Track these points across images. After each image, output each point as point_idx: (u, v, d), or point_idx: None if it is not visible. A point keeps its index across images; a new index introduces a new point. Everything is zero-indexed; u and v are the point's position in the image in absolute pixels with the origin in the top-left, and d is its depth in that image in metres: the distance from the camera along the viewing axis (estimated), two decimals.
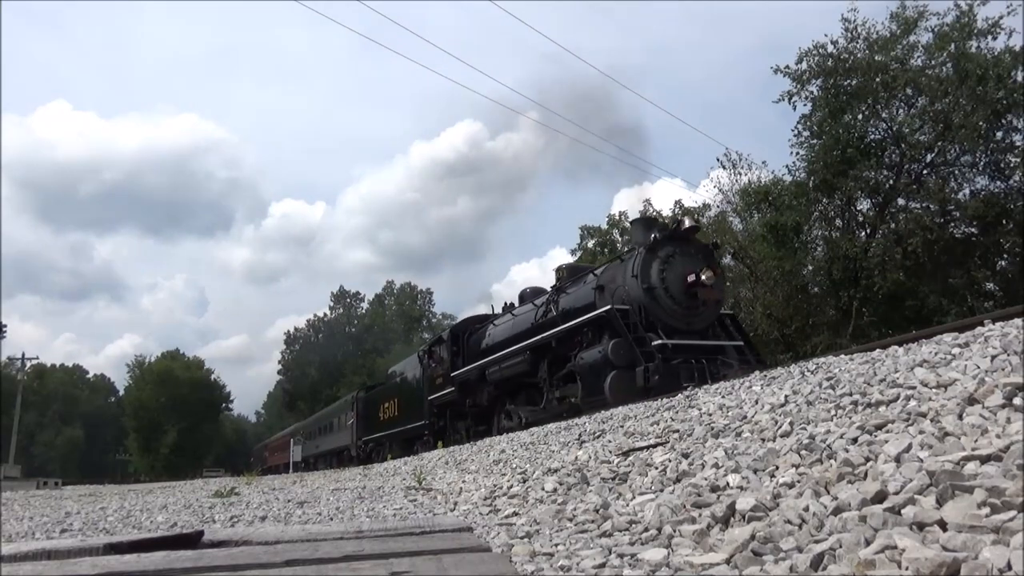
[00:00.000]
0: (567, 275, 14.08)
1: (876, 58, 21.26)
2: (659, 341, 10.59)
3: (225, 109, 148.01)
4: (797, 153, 23.05)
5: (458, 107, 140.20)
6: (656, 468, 3.95)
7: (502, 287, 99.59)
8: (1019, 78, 19.32)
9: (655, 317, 11.12)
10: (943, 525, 1.81)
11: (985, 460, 2.18)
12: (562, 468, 4.98)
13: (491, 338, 15.50)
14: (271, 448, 50.32)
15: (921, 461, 2.33)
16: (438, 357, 18.05)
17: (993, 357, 3.52)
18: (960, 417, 2.75)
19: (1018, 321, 4.53)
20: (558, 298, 13.33)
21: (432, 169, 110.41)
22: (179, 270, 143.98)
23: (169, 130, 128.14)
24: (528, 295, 15.65)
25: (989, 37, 20.01)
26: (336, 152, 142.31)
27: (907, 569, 1.60)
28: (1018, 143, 20.56)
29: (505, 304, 17.08)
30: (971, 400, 2.87)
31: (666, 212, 27.86)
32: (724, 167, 25.57)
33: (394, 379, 23.15)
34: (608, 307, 10.96)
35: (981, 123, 19.55)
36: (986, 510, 1.78)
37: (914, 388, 3.47)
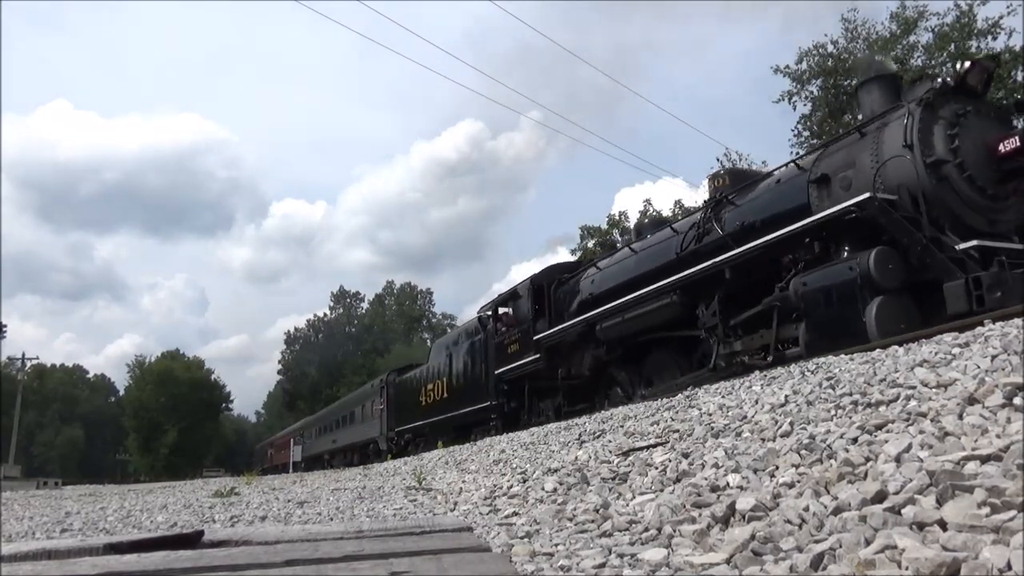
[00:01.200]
0: (732, 181, 10.19)
1: (876, 58, 21.23)
2: (969, 243, 6.80)
3: (226, 109, 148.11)
4: (797, 153, 23.05)
5: (459, 106, 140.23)
6: (656, 468, 3.95)
7: (503, 287, 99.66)
8: (1019, 78, 19.32)
9: (943, 211, 7.19)
10: (943, 525, 1.81)
11: (985, 460, 2.18)
12: (562, 468, 4.98)
13: (596, 284, 11.83)
14: (276, 446, 48.13)
15: (921, 461, 2.33)
16: (511, 319, 14.51)
17: (993, 357, 3.53)
18: (960, 417, 2.75)
19: (1018, 321, 4.53)
20: (721, 214, 9.62)
21: (433, 169, 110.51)
22: (179, 270, 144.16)
23: (170, 130, 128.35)
24: (649, 226, 12.23)
25: (989, 37, 20.02)
26: (337, 151, 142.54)
27: (907, 569, 1.60)
28: None
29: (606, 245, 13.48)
30: (971, 400, 2.87)
31: (666, 212, 27.83)
32: (724, 167, 25.57)
33: (441, 355, 18.83)
34: (866, 196, 7.11)
35: None
36: (986, 510, 1.78)
37: (914, 388, 3.47)
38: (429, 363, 19.91)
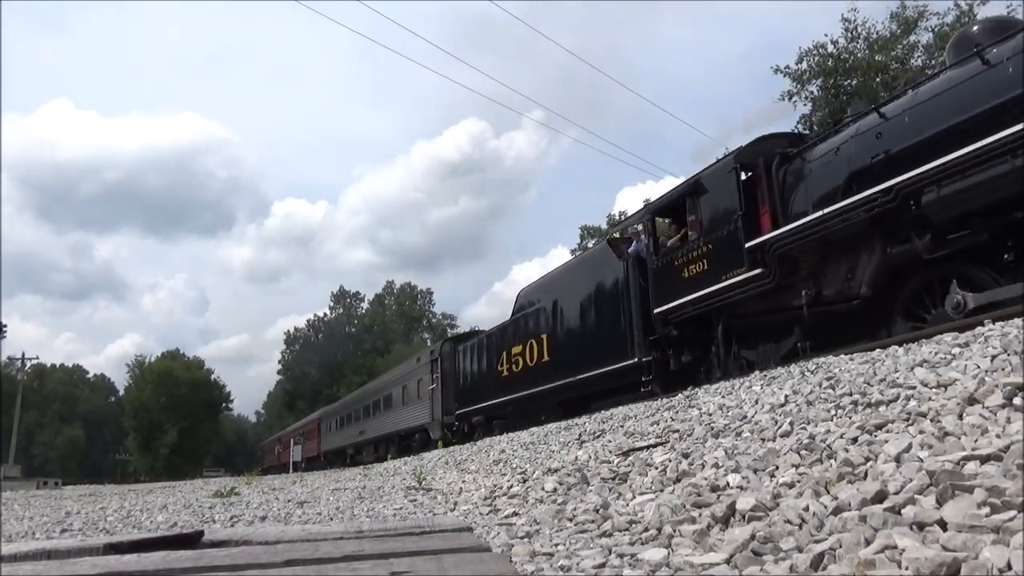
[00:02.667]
0: None
1: (876, 58, 21.29)
2: None
3: (227, 108, 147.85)
4: None
5: (461, 106, 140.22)
6: (656, 468, 3.95)
7: (503, 286, 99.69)
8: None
9: None
10: (943, 525, 1.81)
11: (985, 460, 2.18)
12: (562, 468, 4.98)
13: (891, 137, 7.17)
14: (284, 443, 43.75)
15: (921, 461, 2.33)
16: (693, 223, 9.64)
17: (993, 357, 3.53)
18: (960, 417, 2.75)
19: (1018, 321, 4.53)
20: None
21: (434, 168, 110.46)
22: (180, 270, 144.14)
23: (170, 129, 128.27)
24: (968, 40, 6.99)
25: None
26: (339, 151, 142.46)
27: (907, 569, 1.60)
28: None
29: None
30: (971, 400, 2.87)
31: None
32: None
33: (534, 306, 13.83)
34: None
35: None
36: (986, 510, 1.78)
37: (914, 388, 3.47)
38: (510, 321, 14.83)
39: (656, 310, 10.05)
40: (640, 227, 11.19)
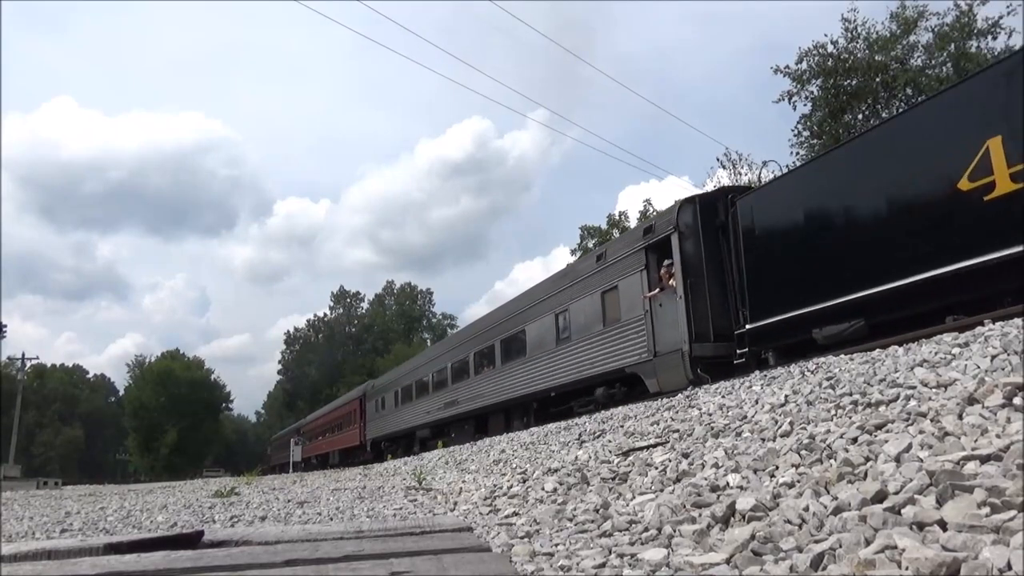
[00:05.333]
0: None
1: (876, 58, 21.28)
2: None
3: (230, 107, 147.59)
4: (797, 153, 23.06)
5: (463, 106, 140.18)
6: (656, 468, 3.95)
7: (504, 285, 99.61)
8: None
9: None
10: (943, 525, 1.81)
11: (985, 460, 2.18)
12: (562, 468, 4.98)
13: None
14: (306, 434, 38.08)
15: (921, 461, 2.33)
16: None
17: (993, 357, 3.53)
18: (960, 417, 2.75)
19: (1018, 321, 4.53)
20: None
21: (437, 168, 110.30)
22: (181, 269, 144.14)
23: (173, 128, 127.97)
24: None
25: (989, 37, 20.05)
26: (342, 150, 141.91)
27: (907, 569, 1.60)
28: None
29: None
30: (971, 400, 2.88)
31: None
32: (724, 167, 25.59)
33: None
34: None
35: None
36: (986, 510, 1.78)
37: (914, 388, 3.48)
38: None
39: None
40: None
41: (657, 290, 10.61)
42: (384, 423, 24.59)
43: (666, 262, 10.35)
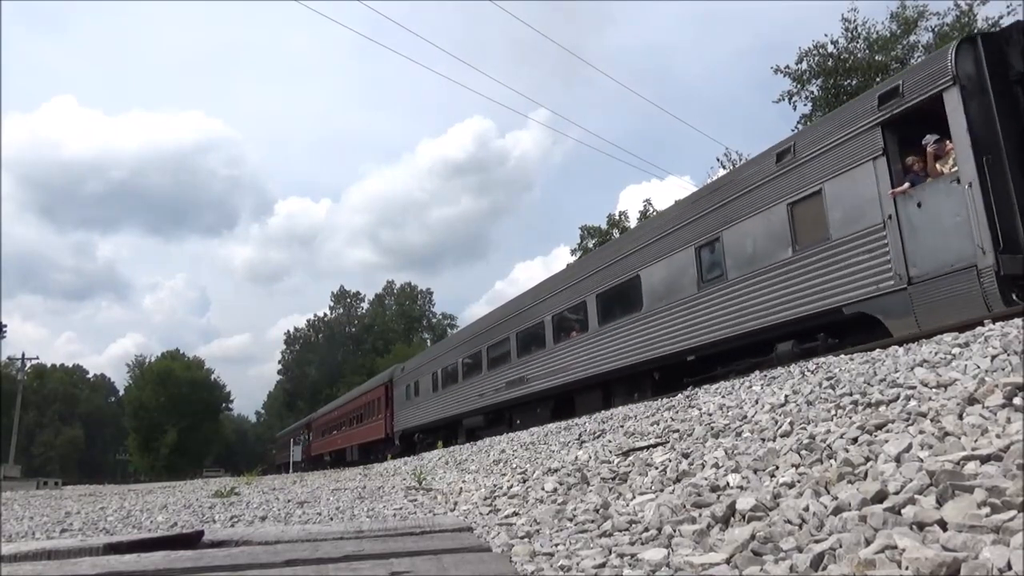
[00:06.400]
0: None
1: (876, 58, 21.29)
2: None
3: (231, 107, 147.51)
4: None
5: (465, 106, 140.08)
6: (656, 468, 3.95)
7: (505, 284, 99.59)
8: None
9: None
10: (943, 525, 1.81)
11: (985, 460, 2.18)
12: (562, 468, 4.98)
13: None
14: (317, 429, 34.51)
15: (921, 461, 2.34)
16: None
17: (993, 357, 3.53)
18: (960, 417, 2.75)
19: (1018, 321, 4.53)
20: None
21: (438, 167, 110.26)
22: (181, 269, 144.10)
23: (173, 127, 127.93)
24: None
25: None
26: (344, 149, 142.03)
27: (907, 569, 1.60)
28: None
29: None
30: (971, 400, 2.88)
31: None
32: (724, 167, 25.61)
33: None
34: None
35: None
36: (986, 510, 1.78)
37: (914, 388, 3.48)
38: None
39: None
40: None
41: (907, 185, 7.38)
42: (417, 412, 21.18)
43: (929, 138, 7.19)
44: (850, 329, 8.05)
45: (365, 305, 76.80)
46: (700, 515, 2.64)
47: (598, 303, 12.87)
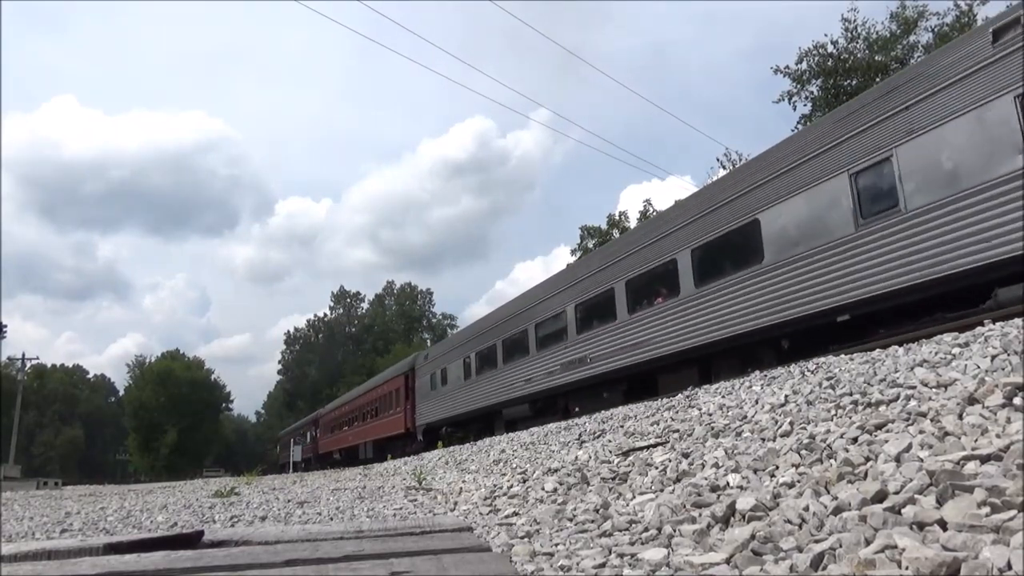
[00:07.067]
0: None
1: (876, 58, 21.29)
2: None
3: (232, 107, 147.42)
4: None
5: (466, 106, 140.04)
6: (656, 468, 3.95)
7: (505, 285, 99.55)
8: None
9: None
10: (943, 525, 1.81)
11: (985, 460, 2.18)
12: (562, 468, 4.98)
13: None
14: (325, 424, 31.64)
15: (921, 461, 2.33)
16: None
17: (993, 357, 3.53)
18: (960, 417, 2.75)
19: (1018, 321, 4.53)
20: None
21: (439, 167, 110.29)
22: (182, 269, 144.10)
23: (174, 127, 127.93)
24: None
25: None
26: (345, 149, 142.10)
27: (907, 569, 1.60)
28: None
29: None
30: (971, 400, 2.88)
31: None
32: (724, 167, 25.62)
33: None
34: None
35: None
36: (986, 510, 1.78)
37: (914, 388, 3.48)
38: None
39: None
40: None
41: None
42: (444, 403, 18.97)
43: None
44: None
45: (365, 305, 76.89)
46: (700, 515, 2.64)
47: (693, 259, 10.71)
